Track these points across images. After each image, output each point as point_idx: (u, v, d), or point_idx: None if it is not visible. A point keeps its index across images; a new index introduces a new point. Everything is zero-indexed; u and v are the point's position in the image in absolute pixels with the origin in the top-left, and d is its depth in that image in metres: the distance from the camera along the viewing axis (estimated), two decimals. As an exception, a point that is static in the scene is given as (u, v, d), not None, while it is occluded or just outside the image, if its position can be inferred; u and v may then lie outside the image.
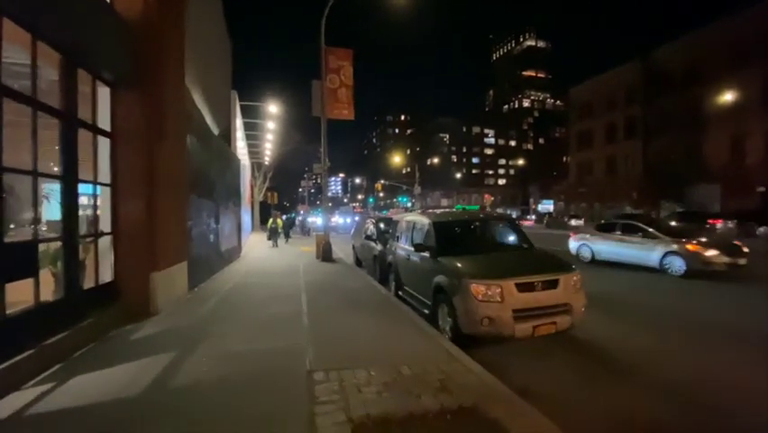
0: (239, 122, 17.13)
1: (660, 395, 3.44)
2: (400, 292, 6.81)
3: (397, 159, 78.56)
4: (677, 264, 9.07)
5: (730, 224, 22.45)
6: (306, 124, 34.01)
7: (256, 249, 16.81)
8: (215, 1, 13.53)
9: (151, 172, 5.61)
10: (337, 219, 36.66)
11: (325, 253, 11.94)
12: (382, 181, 61.50)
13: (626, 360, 4.24)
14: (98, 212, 5.18)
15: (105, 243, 5.31)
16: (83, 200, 5.14)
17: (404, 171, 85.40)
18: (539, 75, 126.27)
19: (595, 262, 11.15)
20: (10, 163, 3.53)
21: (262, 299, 6.74)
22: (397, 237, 7.39)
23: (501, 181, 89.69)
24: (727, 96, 26.72)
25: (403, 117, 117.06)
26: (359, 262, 11.66)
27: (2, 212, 3.39)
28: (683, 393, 3.44)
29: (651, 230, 9.95)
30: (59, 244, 4.29)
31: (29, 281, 3.76)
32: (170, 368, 3.74)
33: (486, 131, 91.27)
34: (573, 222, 35.09)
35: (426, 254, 5.47)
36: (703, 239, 9.35)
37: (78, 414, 2.95)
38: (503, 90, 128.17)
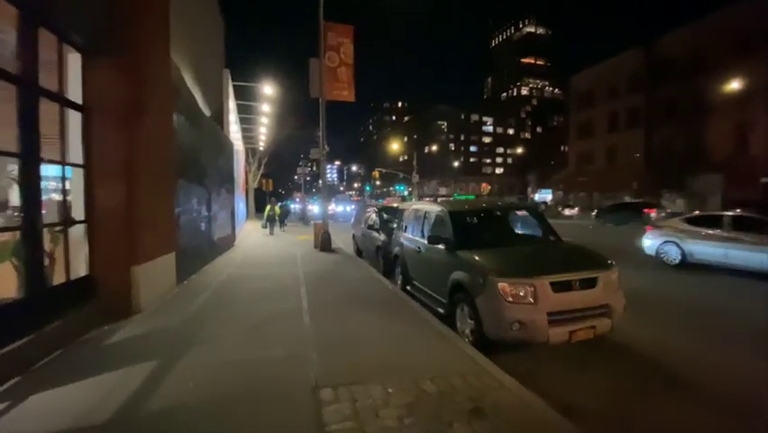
0: (232, 104, 16.28)
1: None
2: (408, 288, 6.26)
3: (394, 146, 77.53)
4: None
5: (663, 213, 21.62)
6: (301, 110, 33.16)
7: (251, 237, 16.18)
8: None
9: (132, 153, 4.94)
10: (334, 207, 35.76)
11: (324, 243, 11.35)
12: (380, 169, 60.62)
13: (676, 369, 3.73)
14: (69, 197, 4.53)
15: (78, 232, 4.67)
16: (51, 184, 4.51)
17: (401, 159, 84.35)
18: (538, 62, 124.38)
19: (687, 266, 8.66)
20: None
21: (258, 294, 6.17)
22: (405, 228, 6.82)
23: (499, 170, 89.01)
24: (732, 85, 26.21)
25: (400, 104, 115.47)
26: (359, 253, 11.11)
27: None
28: None
29: None
30: (18, 233, 3.66)
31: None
32: (149, 383, 3.16)
33: (484, 119, 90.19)
34: (567, 211, 34.66)
35: (441, 247, 4.90)
36: None
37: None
38: (502, 78, 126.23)
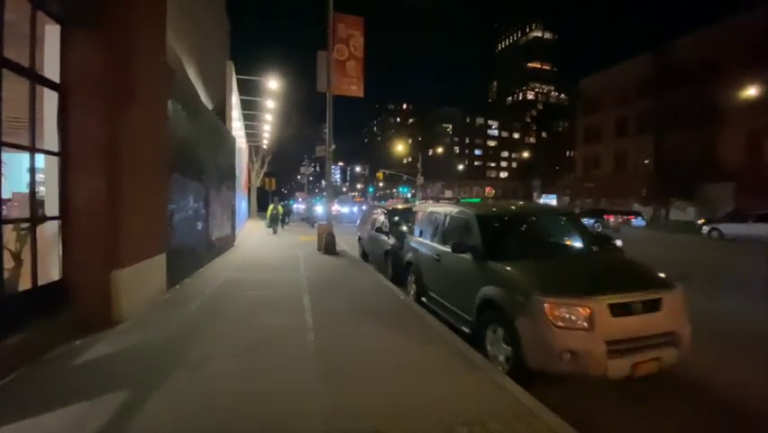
0: (235, 98, 15.70)
1: None
2: (424, 299, 5.62)
3: (398, 148, 76.89)
4: None
5: (620, 219, 24.61)
6: (306, 108, 32.54)
7: (252, 237, 15.56)
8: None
9: (116, 141, 4.33)
10: (338, 208, 34.99)
11: (328, 245, 10.72)
12: (383, 171, 60.03)
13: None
14: (40, 189, 3.93)
15: (50, 230, 4.07)
16: (17, 173, 3.91)
17: (404, 161, 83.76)
18: (544, 67, 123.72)
19: None
20: None
21: (257, 303, 5.53)
22: (420, 232, 6.19)
23: (503, 174, 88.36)
24: (745, 92, 25.57)
25: (405, 106, 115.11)
26: (365, 256, 10.48)
27: None
28: None
29: None
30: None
31: None
32: (118, 423, 2.53)
33: (490, 122, 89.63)
34: None
35: (467, 257, 4.25)
36: None
37: None
38: (507, 81, 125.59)
